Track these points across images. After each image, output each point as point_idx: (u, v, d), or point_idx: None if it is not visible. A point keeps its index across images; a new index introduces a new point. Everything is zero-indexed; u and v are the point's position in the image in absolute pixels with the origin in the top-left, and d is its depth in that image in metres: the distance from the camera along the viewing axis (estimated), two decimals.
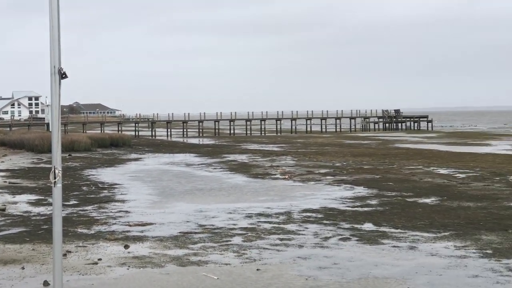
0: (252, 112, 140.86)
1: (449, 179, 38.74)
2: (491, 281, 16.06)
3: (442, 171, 44.22)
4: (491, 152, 63.54)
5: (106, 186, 38.10)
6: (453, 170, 44.64)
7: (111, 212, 28.04)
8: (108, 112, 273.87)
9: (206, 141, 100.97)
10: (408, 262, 18.23)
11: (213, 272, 17.27)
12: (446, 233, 22.10)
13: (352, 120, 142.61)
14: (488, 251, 19.25)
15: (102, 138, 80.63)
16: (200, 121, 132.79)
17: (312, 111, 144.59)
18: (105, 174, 45.36)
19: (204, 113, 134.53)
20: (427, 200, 30.02)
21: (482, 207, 27.72)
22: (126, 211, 28.12)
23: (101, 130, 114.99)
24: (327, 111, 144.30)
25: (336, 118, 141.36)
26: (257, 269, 17.56)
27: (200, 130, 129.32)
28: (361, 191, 33.95)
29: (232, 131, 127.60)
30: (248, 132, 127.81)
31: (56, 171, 7.94)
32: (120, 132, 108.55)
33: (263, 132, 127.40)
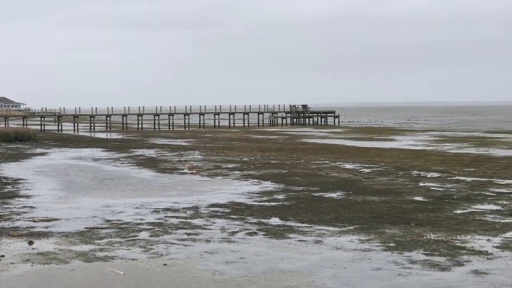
0: (160, 107, 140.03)
1: (355, 174, 39.41)
2: (394, 274, 16.46)
3: (348, 165, 44.94)
4: (395, 147, 64.92)
5: (10, 181, 37.27)
6: (358, 165, 45.43)
7: (15, 207, 27.46)
8: (13, 106, 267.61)
9: (114, 135, 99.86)
10: (313, 256, 18.48)
11: (119, 268, 17.14)
12: (351, 227, 22.50)
13: (260, 115, 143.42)
14: (391, 244, 19.70)
15: (6, 132, 78.80)
16: (108, 116, 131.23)
17: (220, 106, 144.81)
18: (9, 169, 44.36)
19: (112, 107, 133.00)
20: (333, 195, 30.48)
21: (386, 201, 28.33)
22: (31, 207, 27.59)
23: (5, 124, 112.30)
24: (235, 106, 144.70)
25: (244, 113, 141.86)
26: (164, 264, 17.52)
27: (108, 125, 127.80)
28: (268, 185, 34.20)
29: (140, 126, 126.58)
30: (156, 126, 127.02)
31: None
32: (25, 126, 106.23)
33: (171, 127, 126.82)
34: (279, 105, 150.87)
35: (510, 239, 20.34)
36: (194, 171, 41.50)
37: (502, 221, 23.46)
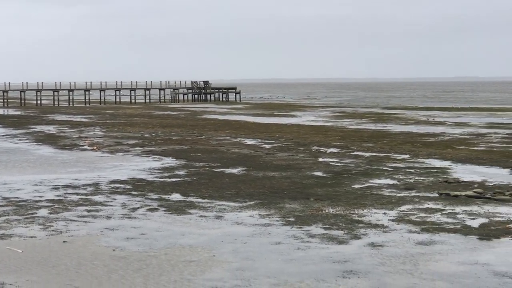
0: (60, 83, 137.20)
1: (256, 150, 39.69)
2: (293, 247, 16.74)
3: (249, 141, 45.19)
4: (296, 123, 65.59)
5: None
6: (259, 140, 45.74)
7: None
8: None
9: (12, 111, 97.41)
10: (214, 231, 18.60)
11: (18, 246, 16.85)
12: (251, 202, 22.71)
13: (162, 92, 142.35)
14: (290, 219, 20.00)
15: None
16: (5, 91, 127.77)
17: (121, 82, 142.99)
18: None
19: (9, 82, 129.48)
20: (234, 171, 30.65)
21: (286, 176, 28.68)
22: None
23: None
24: (136, 82, 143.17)
25: (146, 89, 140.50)
26: (64, 241, 17.33)
27: (5, 100, 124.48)
28: (169, 162, 34.12)
29: (39, 102, 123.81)
30: (56, 102, 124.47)
31: None
32: None
33: (71, 103, 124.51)
34: (180, 82, 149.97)
35: (405, 212, 20.96)
36: (94, 148, 40.99)
37: (398, 195, 24.13)
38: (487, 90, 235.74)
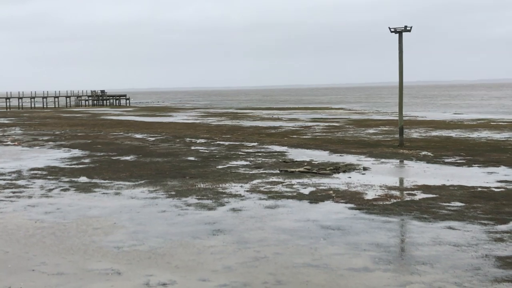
0: None
1: (143, 142, 39.10)
2: (175, 214, 16.63)
3: (138, 135, 44.48)
4: (173, 121, 65.06)
5: None
6: (146, 135, 45.10)
7: None
8: None
9: None
10: (114, 204, 18.20)
11: None
12: (142, 181, 22.35)
13: (68, 99, 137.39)
14: (172, 193, 19.84)
15: None
16: None
17: (35, 92, 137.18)
18: None
19: None
20: (127, 158, 30.06)
21: (167, 161, 28.42)
22: None
23: None
24: (47, 91, 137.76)
25: (55, 97, 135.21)
26: None
27: None
28: (76, 152, 33.04)
29: None
30: None
31: None
32: None
33: None
34: (82, 91, 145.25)
35: (255, 184, 21.22)
36: (16, 143, 39.08)
37: (250, 172, 24.41)
38: (309, 94, 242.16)
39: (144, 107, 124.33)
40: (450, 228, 14.59)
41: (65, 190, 20.80)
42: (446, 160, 27.35)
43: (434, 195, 18.75)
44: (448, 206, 17.13)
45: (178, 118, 72.75)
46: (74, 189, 20.96)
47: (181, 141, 39.09)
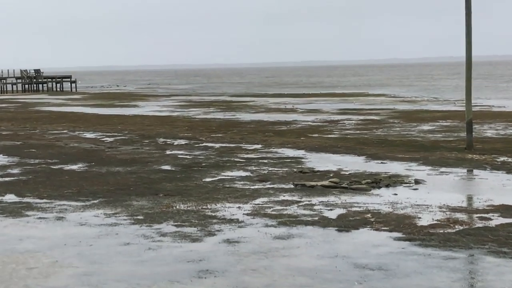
0: None
1: (97, 144, 39.22)
2: (143, 248, 16.66)
3: (89, 135, 44.62)
4: (139, 113, 65.30)
5: None
6: (100, 133, 45.25)
7: None
8: None
9: None
10: (56, 233, 18.24)
11: None
12: (95, 201, 22.42)
13: None
14: (139, 217, 19.89)
15: None
16: None
17: None
18: None
19: None
20: (74, 167, 30.16)
21: (132, 171, 28.50)
22: None
23: None
24: None
25: None
26: None
27: None
28: (0, 159, 33.15)
29: None
30: None
31: None
32: None
33: None
34: (8, 70, 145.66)
35: (260, 205, 21.29)
36: None
37: (252, 187, 24.49)
38: (331, 75, 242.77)
39: (97, 93, 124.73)
40: None
41: None
42: None
43: None
44: None
45: (146, 109, 72.95)
46: None
47: (152, 143, 39.18)
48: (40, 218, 20.14)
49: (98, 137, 43.30)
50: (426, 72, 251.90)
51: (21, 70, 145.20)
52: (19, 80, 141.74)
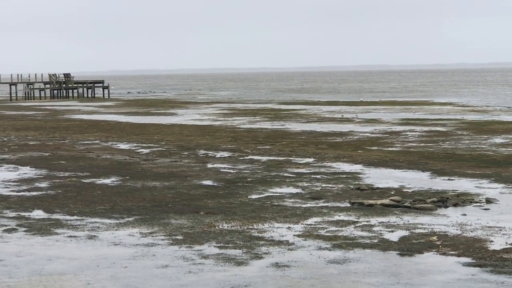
0: None
1: (131, 156, 39.48)
2: (183, 271, 16.75)
3: (123, 146, 44.93)
4: (177, 122, 65.59)
5: None
6: (135, 144, 45.53)
7: None
8: None
9: None
10: (87, 253, 18.42)
11: None
12: (130, 219, 22.59)
13: (13, 87, 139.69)
14: (178, 237, 20.00)
15: None
16: None
17: None
18: None
19: None
20: (107, 181, 30.42)
21: (169, 186, 28.66)
22: None
23: None
24: None
25: None
26: None
27: None
28: (27, 172, 33.55)
29: None
30: None
31: None
32: None
33: None
34: (36, 75, 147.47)
35: (312, 226, 21.29)
36: None
37: (303, 205, 24.49)
38: (391, 80, 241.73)
39: (132, 99, 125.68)
40: None
41: (10, 230, 21.13)
42: None
43: None
44: None
45: (185, 117, 73.28)
46: (24, 229, 21.28)
47: (191, 155, 39.34)
48: (70, 236, 20.35)
49: (133, 148, 43.57)
50: (502, 79, 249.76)
51: (49, 75, 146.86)
52: (48, 86, 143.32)
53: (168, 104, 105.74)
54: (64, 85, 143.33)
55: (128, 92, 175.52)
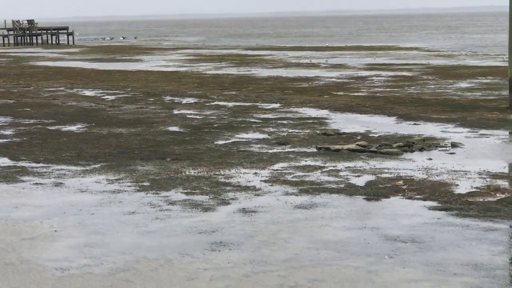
0: None
1: (97, 102, 39.34)
2: (150, 217, 16.74)
3: (88, 92, 44.75)
4: (143, 69, 65.33)
5: None
6: (101, 91, 45.36)
7: None
8: None
9: None
10: (54, 201, 18.37)
11: None
12: (96, 165, 22.52)
13: None
14: (145, 184, 19.97)
15: None
16: None
17: None
18: None
19: None
20: (73, 128, 30.29)
21: (136, 133, 28.58)
22: None
23: None
24: None
25: None
26: None
27: None
28: None
29: None
30: None
31: None
32: None
33: None
34: None
35: (279, 171, 21.32)
36: None
37: (270, 151, 24.51)
38: (358, 27, 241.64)
39: (97, 46, 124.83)
40: None
41: None
42: None
43: None
44: None
45: (151, 64, 72.97)
46: None
47: (158, 101, 39.24)
48: (36, 184, 20.27)
49: (99, 95, 43.42)
50: (465, 23, 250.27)
51: (13, 21, 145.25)
52: (11, 32, 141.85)
53: (133, 50, 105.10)
54: (28, 32, 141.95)
55: (95, 39, 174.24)
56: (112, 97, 41.71)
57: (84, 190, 19.45)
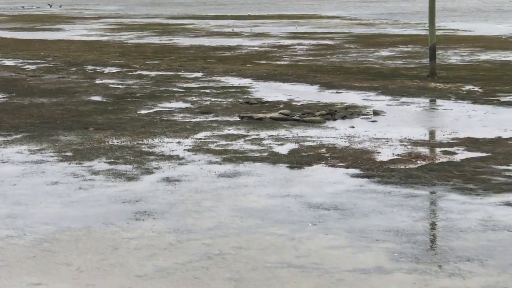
0: None
1: (18, 72, 38.80)
2: (73, 187, 16.66)
3: (8, 62, 44.08)
4: (64, 38, 64.44)
5: None
6: (21, 61, 44.70)
7: None
8: None
9: None
10: None
11: None
12: (18, 136, 22.26)
13: None
14: (68, 154, 19.82)
15: None
16: None
17: None
18: None
19: None
20: None
21: (58, 103, 28.29)
22: None
23: None
24: None
25: None
26: None
27: None
28: None
29: None
30: None
31: None
32: None
33: None
34: None
35: (202, 140, 21.34)
36: None
37: (193, 120, 24.51)
38: None
39: (17, 15, 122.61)
40: (509, 204, 14.93)
41: None
42: (503, 99, 27.79)
43: (484, 154, 19.10)
44: (507, 170, 17.49)
45: (72, 33, 72.00)
46: None
47: (79, 71, 38.86)
48: None
49: (19, 64, 42.80)
50: None
51: None
52: None
53: (54, 19, 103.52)
54: None
55: (15, 8, 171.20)
56: (33, 67, 41.15)
57: (6, 161, 19.23)
